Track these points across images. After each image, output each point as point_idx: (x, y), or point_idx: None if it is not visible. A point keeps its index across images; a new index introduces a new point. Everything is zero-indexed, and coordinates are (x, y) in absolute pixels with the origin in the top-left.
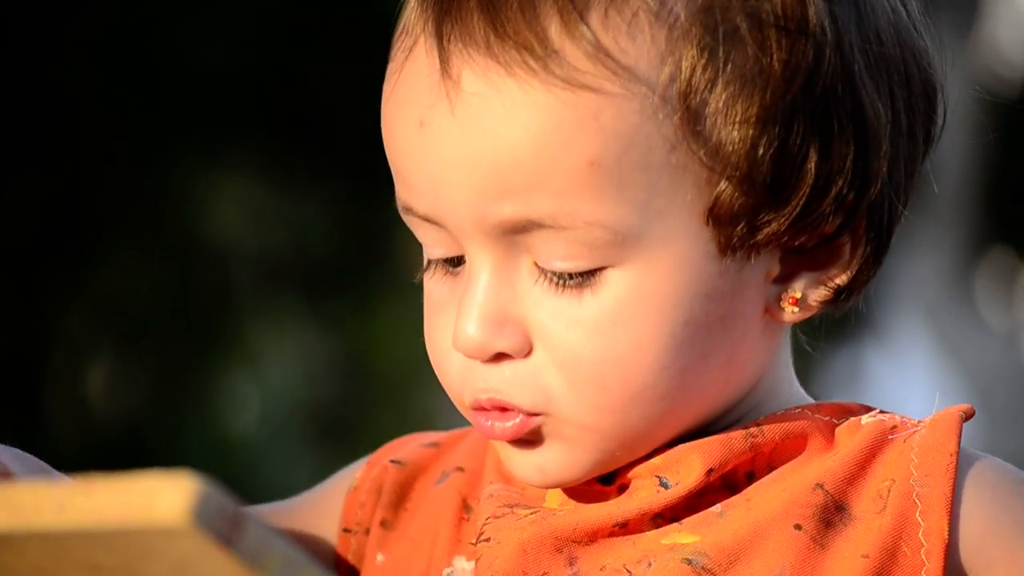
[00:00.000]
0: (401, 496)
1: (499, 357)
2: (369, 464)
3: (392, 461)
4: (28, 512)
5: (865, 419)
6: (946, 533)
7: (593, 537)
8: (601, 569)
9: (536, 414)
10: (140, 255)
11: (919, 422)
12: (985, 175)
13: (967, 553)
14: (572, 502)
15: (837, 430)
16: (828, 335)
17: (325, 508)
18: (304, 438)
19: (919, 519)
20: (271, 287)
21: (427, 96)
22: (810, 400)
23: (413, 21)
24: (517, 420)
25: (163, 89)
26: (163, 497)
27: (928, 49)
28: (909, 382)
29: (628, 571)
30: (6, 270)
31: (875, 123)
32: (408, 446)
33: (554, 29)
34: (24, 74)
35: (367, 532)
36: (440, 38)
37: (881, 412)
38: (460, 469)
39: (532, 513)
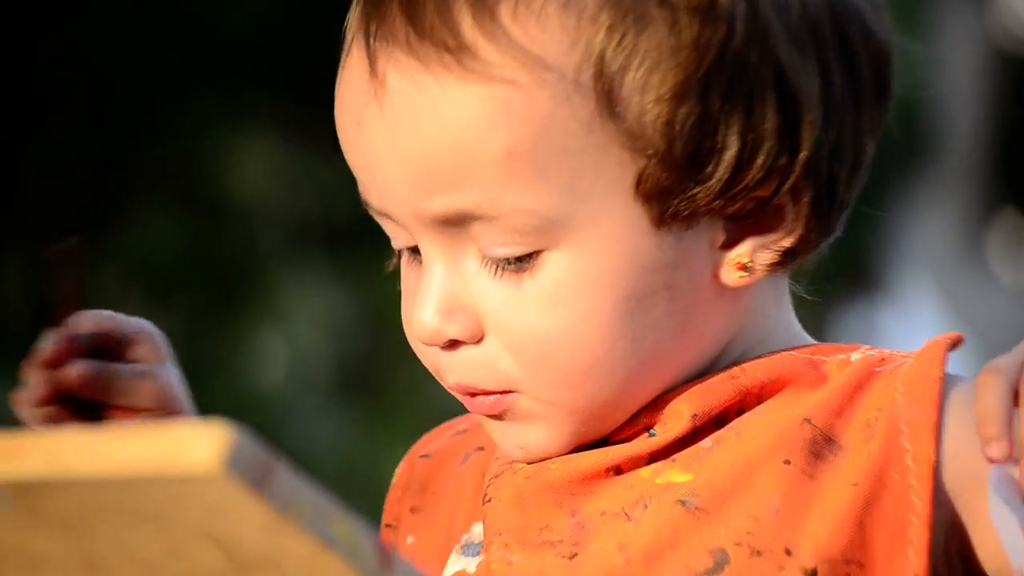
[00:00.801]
0: (428, 482)
1: (455, 344)
2: (405, 461)
3: (421, 456)
4: (62, 459)
5: (854, 355)
6: (932, 456)
7: (589, 484)
8: (602, 514)
9: (509, 392)
10: (167, 215)
11: (908, 354)
12: (996, 135)
13: (953, 473)
14: (566, 455)
15: (826, 366)
16: (839, 296)
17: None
18: (331, 393)
19: (906, 444)
20: (297, 245)
21: (361, 95)
22: (809, 343)
23: (351, 21)
24: (491, 399)
25: (189, 49)
26: (196, 445)
27: (876, 12)
28: (919, 342)
29: (626, 514)
30: (37, 231)
31: (800, 90)
32: (440, 437)
33: (467, 24)
34: (50, 36)
35: (395, 526)
36: (367, 37)
37: (871, 349)
38: (480, 448)
39: (528, 467)
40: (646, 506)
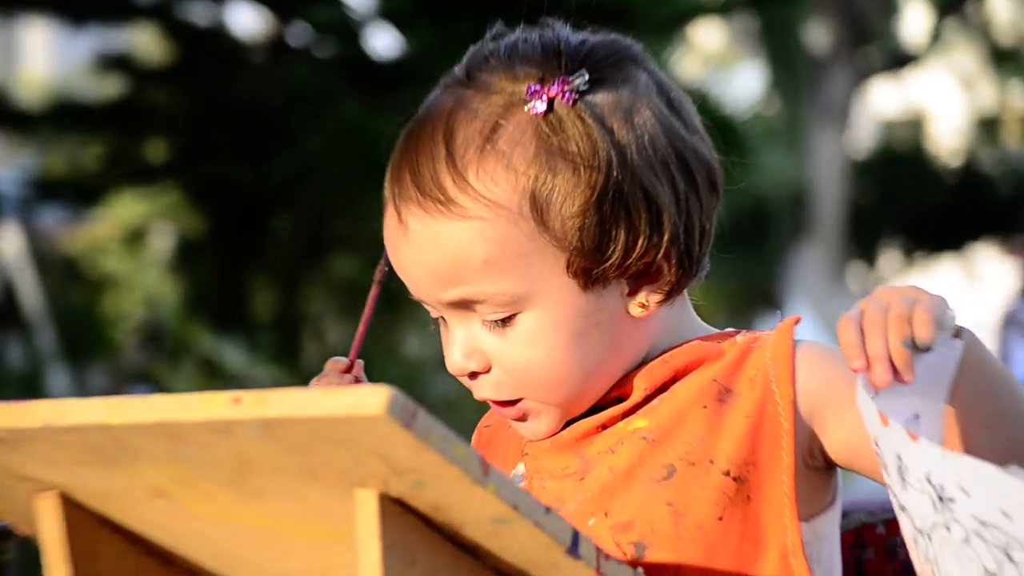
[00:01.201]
0: (490, 441)
1: (475, 374)
2: (477, 429)
3: (485, 426)
4: (294, 405)
5: (739, 337)
6: (791, 393)
7: (588, 438)
8: (597, 453)
9: (517, 400)
10: (357, 250)
11: (770, 332)
12: (849, 210)
13: (805, 402)
14: (573, 423)
15: (722, 346)
16: (756, 312)
17: None
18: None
19: (775, 388)
20: None
21: (395, 234)
22: (709, 331)
23: (385, 188)
24: (514, 409)
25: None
26: (371, 398)
27: (701, 143)
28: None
29: (611, 451)
30: (277, 269)
31: (659, 199)
32: (494, 415)
33: (449, 187)
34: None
35: None
36: (393, 199)
37: (749, 332)
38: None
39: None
40: (622, 443)
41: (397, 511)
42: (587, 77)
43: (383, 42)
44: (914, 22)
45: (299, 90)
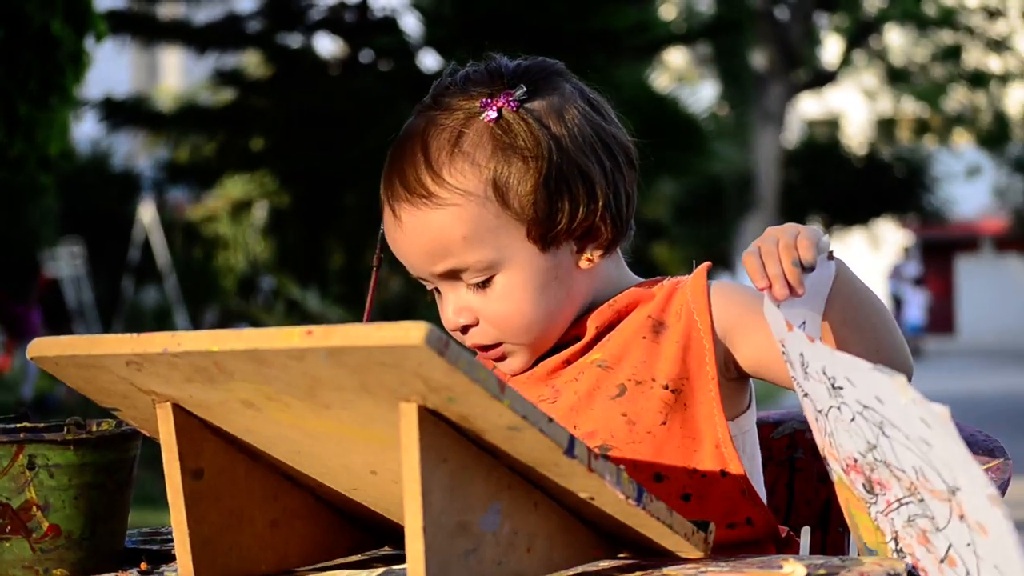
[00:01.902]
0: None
1: (467, 328)
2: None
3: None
4: (351, 336)
5: (666, 281)
6: (709, 320)
7: (556, 372)
8: (564, 383)
9: (500, 344)
10: None
11: (688, 277)
12: (782, 194)
13: (720, 326)
14: (542, 361)
15: (653, 289)
16: (713, 274)
17: None
18: None
19: (696, 318)
20: None
21: (392, 227)
22: (639, 280)
23: (381, 190)
24: (495, 351)
25: None
26: (412, 331)
27: (618, 131)
28: None
29: (575, 379)
30: (346, 234)
31: (589, 176)
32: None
33: (429, 183)
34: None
35: None
36: (388, 200)
37: (672, 277)
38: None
39: (527, 370)
40: (583, 373)
41: (432, 420)
42: (525, 89)
43: (430, 61)
44: (831, 50)
45: (365, 98)
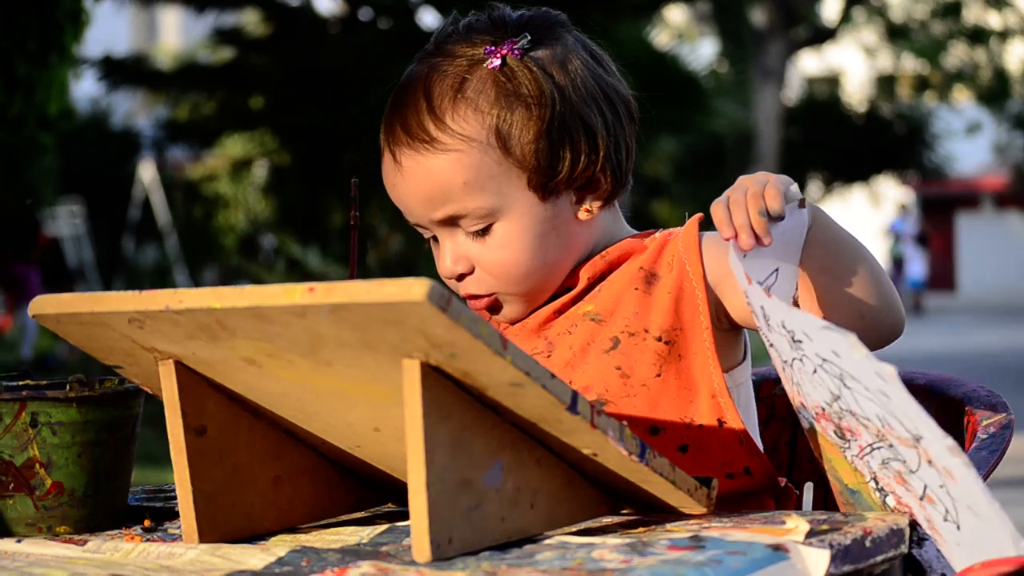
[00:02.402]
0: None
1: (462, 276)
2: None
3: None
4: (354, 293)
5: (658, 233)
6: (701, 270)
7: (548, 323)
8: (557, 335)
9: (493, 294)
10: None
11: (680, 228)
12: (783, 152)
13: (711, 276)
14: (534, 312)
15: (645, 240)
16: (705, 228)
17: None
18: None
19: (688, 268)
20: None
21: (391, 171)
22: (636, 233)
23: (381, 136)
24: (484, 300)
25: None
26: (415, 288)
27: (619, 84)
28: None
29: (568, 332)
30: (346, 193)
31: (591, 126)
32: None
33: (432, 128)
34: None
35: None
36: (388, 143)
37: (665, 229)
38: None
39: (520, 321)
40: (576, 326)
41: (435, 376)
42: (529, 38)
43: (429, 18)
44: (830, 6)
45: (365, 55)
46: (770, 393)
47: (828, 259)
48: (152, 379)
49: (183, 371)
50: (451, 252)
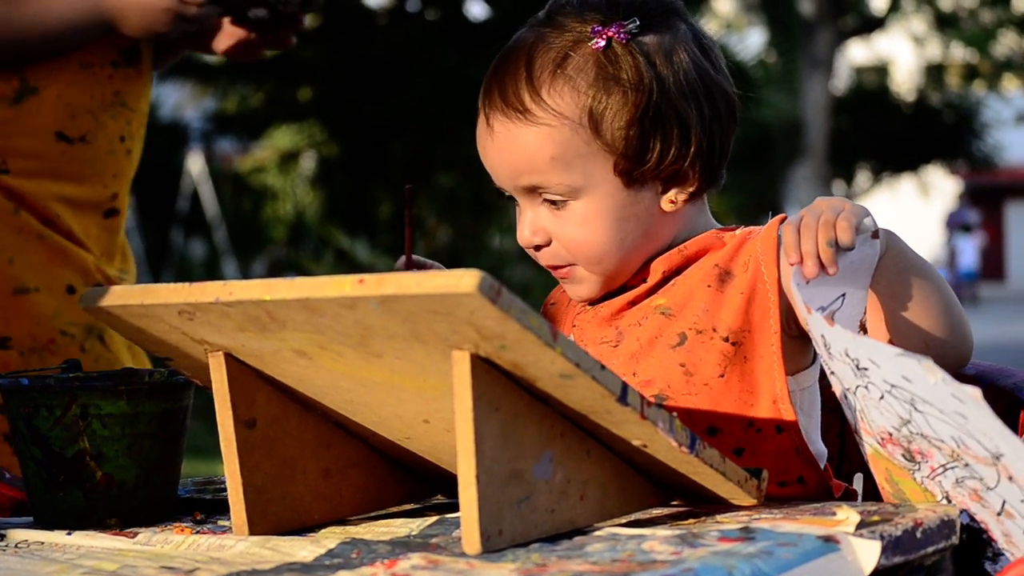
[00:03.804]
0: (553, 318)
1: (539, 247)
2: (545, 305)
3: (551, 304)
4: (405, 285)
5: (738, 231)
6: (776, 274)
7: (620, 313)
8: (628, 326)
9: (571, 265)
10: (455, 168)
11: (761, 228)
12: (833, 138)
13: (786, 282)
14: (608, 295)
15: (724, 238)
16: (755, 220)
17: None
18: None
19: (763, 270)
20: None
21: (484, 135)
22: (718, 227)
23: (479, 100)
24: (564, 270)
25: None
26: (464, 279)
27: (724, 81)
28: None
29: (639, 324)
30: (394, 184)
31: (687, 120)
32: (556, 293)
33: (527, 100)
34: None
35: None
36: (484, 108)
37: (746, 227)
38: (570, 302)
39: (593, 308)
40: (647, 318)
41: (485, 368)
42: (638, 23)
43: (476, 9)
44: None
45: (412, 47)
46: (819, 385)
47: (899, 287)
48: (202, 371)
49: (233, 363)
50: (531, 223)
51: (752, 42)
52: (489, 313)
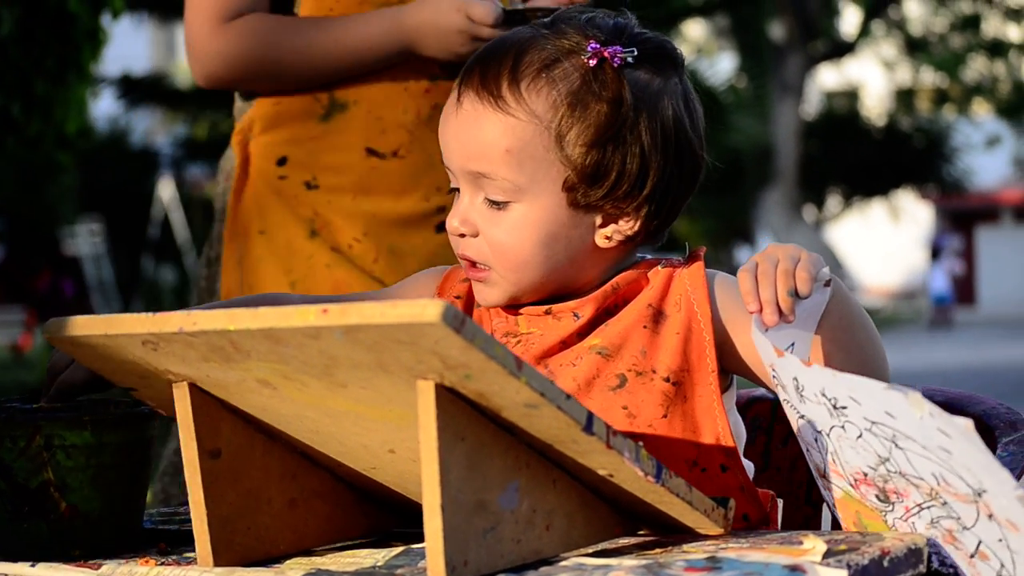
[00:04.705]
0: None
1: (463, 236)
2: (439, 291)
3: (456, 297)
4: (368, 314)
5: (660, 266)
6: (709, 311)
7: (552, 352)
8: (560, 366)
9: (486, 268)
10: None
11: (683, 262)
12: (802, 167)
13: (721, 316)
14: (536, 330)
15: (649, 274)
16: (728, 245)
17: (418, 295)
18: None
19: (696, 308)
20: None
21: (450, 109)
22: (638, 261)
23: (459, 76)
24: (480, 272)
25: None
26: (429, 309)
27: (697, 143)
28: None
29: (572, 364)
30: None
31: (649, 163)
32: (454, 281)
33: (504, 87)
34: None
35: None
36: (460, 85)
37: (667, 260)
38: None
39: (517, 340)
40: (581, 358)
41: (450, 398)
42: (635, 53)
43: None
44: (849, 20)
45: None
46: (738, 404)
47: (839, 331)
48: (166, 402)
49: (197, 393)
50: (463, 211)
51: (723, 67)
52: (453, 343)
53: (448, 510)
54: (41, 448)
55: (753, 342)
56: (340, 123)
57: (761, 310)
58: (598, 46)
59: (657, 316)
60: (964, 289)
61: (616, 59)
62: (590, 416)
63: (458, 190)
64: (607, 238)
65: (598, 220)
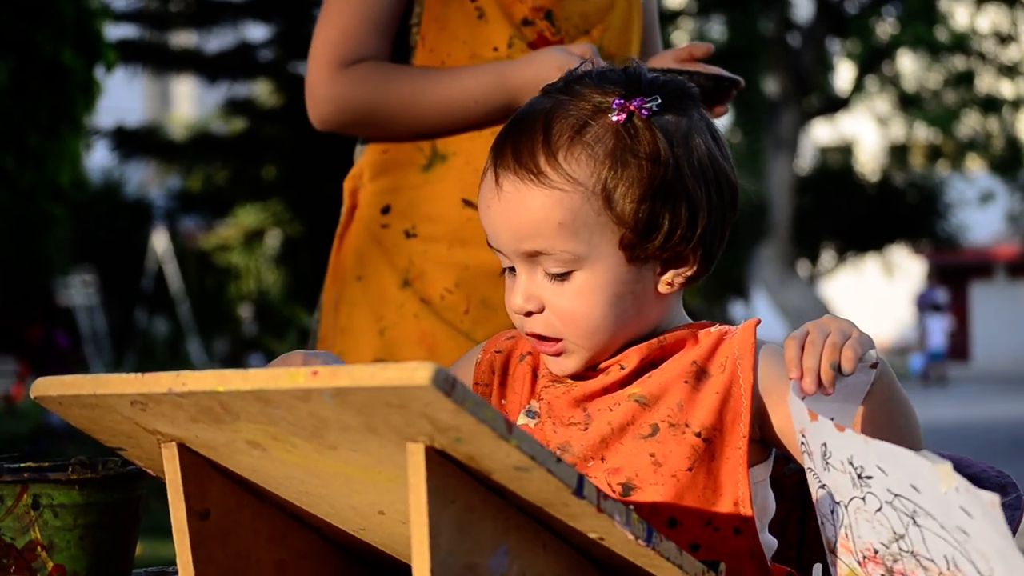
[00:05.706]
0: (505, 368)
1: (530, 314)
2: (483, 351)
3: (496, 351)
4: (358, 377)
5: (713, 328)
6: (751, 378)
7: (592, 397)
8: (598, 410)
9: (557, 339)
10: None
11: (737, 328)
12: (795, 222)
13: (761, 386)
14: (580, 380)
15: (700, 334)
16: (721, 300)
17: (463, 372)
18: None
19: (739, 373)
20: None
21: (490, 193)
22: (689, 321)
23: (489, 155)
24: (551, 345)
25: None
26: (419, 372)
27: (731, 171)
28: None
29: (610, 409)
30: None
31: (697, 203)
32: (500, 341)
33: (542, 162)
34: None
35: (489, 386)
36: (494, 165)
37: (721, 325)
38: (529, 353)
39: (563, 385)
40: (619, 404)
41: (440, 460)
42: (659, 101)
43: None
44: (843, 76)
45: None
46: (779, 474)
47: (881, 415)
48: (155, 461)
49: (186, 454)
50: (525, 288)
51: (717, 122)
52: (443, 406)
53: (437, 573)
54: (29, 507)
55: (789, 414)
56: (440, 173)
57: (802, 377)
58: (623, 101)
59: (700, 374)
60: (958, 344)
61: (644, 111)
62: (580, 479)
63: (511, 269)
64: (669, 284)
65: (658, 269)
